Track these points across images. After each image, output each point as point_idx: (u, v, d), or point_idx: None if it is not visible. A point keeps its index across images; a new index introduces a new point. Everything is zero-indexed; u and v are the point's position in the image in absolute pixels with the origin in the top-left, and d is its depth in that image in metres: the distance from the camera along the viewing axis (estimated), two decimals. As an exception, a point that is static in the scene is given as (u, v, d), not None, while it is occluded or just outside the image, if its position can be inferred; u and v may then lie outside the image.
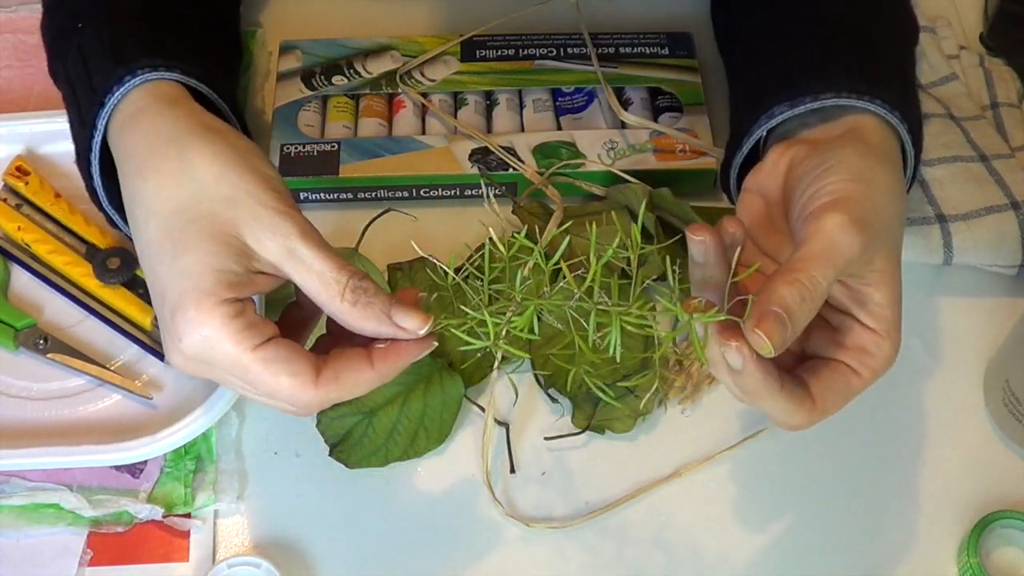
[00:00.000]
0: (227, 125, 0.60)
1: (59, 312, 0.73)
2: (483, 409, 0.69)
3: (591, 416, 0.70)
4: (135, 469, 0.68)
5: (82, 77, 0.63)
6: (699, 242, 0.55)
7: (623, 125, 0.80)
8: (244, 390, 0.57)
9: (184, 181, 0.56)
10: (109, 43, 0.62)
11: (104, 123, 0.61)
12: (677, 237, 0.66)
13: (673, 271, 0.56)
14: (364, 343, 0.57)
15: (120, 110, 0.60)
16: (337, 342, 0.58)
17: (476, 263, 0.74)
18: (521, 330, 0.58)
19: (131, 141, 0.59)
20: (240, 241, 0.55)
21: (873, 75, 0.63)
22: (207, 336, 0.54)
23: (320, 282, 0.55)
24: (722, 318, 0.53)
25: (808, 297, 0.53)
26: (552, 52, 0.84)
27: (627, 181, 0.76)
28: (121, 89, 0.60)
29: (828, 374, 0.57)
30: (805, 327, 0.53)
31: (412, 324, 0.56)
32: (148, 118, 0.59)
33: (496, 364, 0.69)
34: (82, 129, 0.62)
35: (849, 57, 0.64)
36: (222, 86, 0.65)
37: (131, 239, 0.59)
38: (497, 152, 0.78)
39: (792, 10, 0.70)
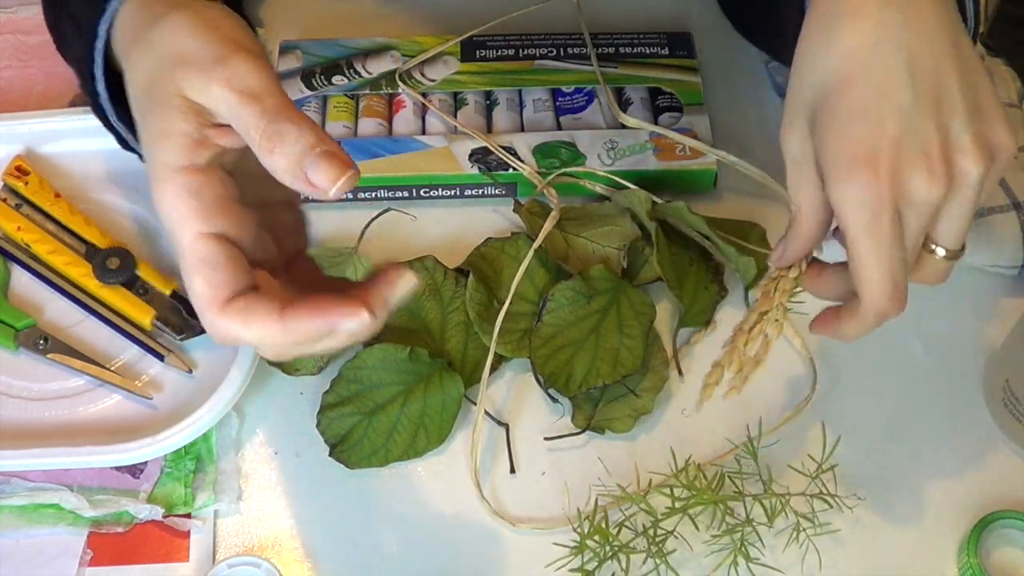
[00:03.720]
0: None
1: (59, 312, 0.73)
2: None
3: (591, 416, 0.70)
4: (135, 469, 0.68)
5: None
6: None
7: (623, 125, 0.80)
8: None
9: (148, 59, 0.54)
10: None
11: (105, 28, 0.59)
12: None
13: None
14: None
15: (121, 18, 0.58)
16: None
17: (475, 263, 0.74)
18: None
19: (121, 45, 0.58)
20: (183, 98, 0.52)
21: None
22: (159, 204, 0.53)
23: (245, 131, 0.52)
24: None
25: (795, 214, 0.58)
26: (552, 52, 0.84)
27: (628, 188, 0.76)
28: None
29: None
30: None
31: (322, 178, 0.51)
32: (136, 20, 0.57)
33: (489, 360, 0.69)
34: (81, 39, 0.61)
35: None
36: None
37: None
38: (497, 152, 0.78)
39: None
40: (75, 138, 0.78)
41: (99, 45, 0.60)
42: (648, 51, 0.84)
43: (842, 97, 0.55)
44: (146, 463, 0.68)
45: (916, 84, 0.54)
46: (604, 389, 0.70)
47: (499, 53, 0.85)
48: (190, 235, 0.52)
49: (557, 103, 0.82)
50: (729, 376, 0.67)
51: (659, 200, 0.75)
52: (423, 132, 0.80)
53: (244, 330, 0.52)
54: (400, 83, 0.82)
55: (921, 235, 0.56)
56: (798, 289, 0.62)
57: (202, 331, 0.70)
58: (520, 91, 0.82)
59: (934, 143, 0.54)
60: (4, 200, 0.75)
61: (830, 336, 0.60)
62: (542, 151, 0.79)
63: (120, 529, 0.67)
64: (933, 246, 0.57)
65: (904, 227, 0.55)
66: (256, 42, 0.55)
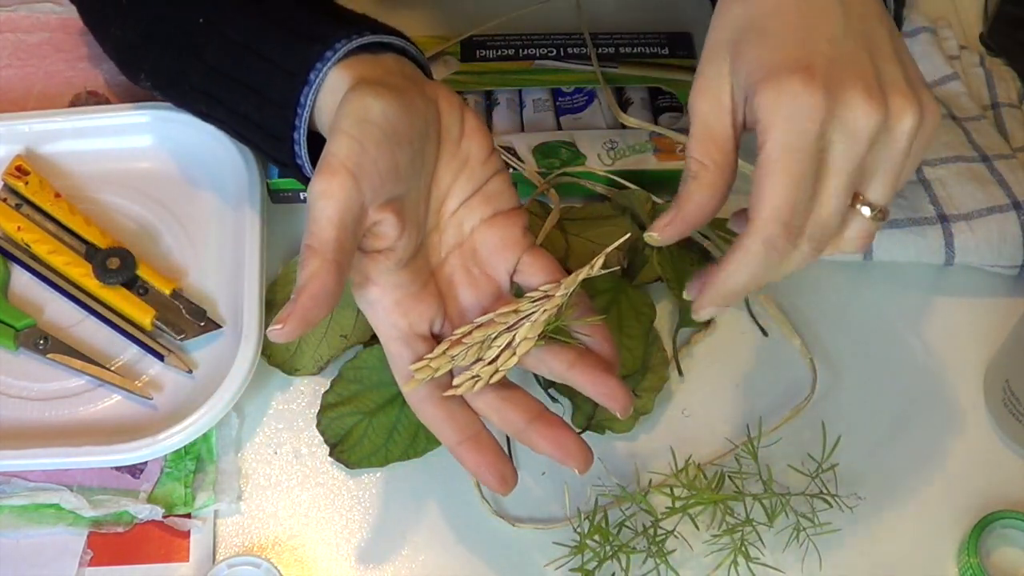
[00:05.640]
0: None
1: (59, 312, 0.73)
2: (483, 409, 0.69)
3: (591, 416, 0.70)
4: (135, 469, 0.68)
5: (249, 64, 0.62)
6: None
7: (623, 125, 0.80)
8: None
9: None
10: (292, 24, 0.61)
11: (311, 101, 0.60)
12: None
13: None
14: None
15: (328, 84, 0.59)
16: None
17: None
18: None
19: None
20: None
21: None
22: None
23: None
24: None
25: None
26: (552, 52, 0.84)
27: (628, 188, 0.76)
28: (325, 66, 0.59)
29: None
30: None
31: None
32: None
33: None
34: (280, 111, 0.61)
35: None
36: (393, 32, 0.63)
37: None
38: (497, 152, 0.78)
39: None
40: (75, 138, 0.78)
41: (304, 114, 0.60)
42: (648, 51, 0.84)
43: (771, 19, 0.52)
44: (146, 463, 0.68)
45: (848, 20, 0.52)
46: (604, 389, 0.70)
47: (499, 53, 0.85)
48: None
49: (557, 103, 0.82)
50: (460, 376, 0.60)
51: (659, 200, 0.75)
52: (423, 132, 0.80)
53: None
54: (400, 83, 0.82)
55: (850, 179, 0.51)
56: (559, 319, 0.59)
57: (202, 331, 0.71)
58: (520, 91, 0.82)
59: (869, 72, 0.51)
60: (4, 200, 0.75)
61: (710, 298, 0.55)
62: (542, 151, 0.79)
63: (120, 529, 0.67)
64: (858, 203, 0.53)
65: (831, 162, 0.50)
66: None
